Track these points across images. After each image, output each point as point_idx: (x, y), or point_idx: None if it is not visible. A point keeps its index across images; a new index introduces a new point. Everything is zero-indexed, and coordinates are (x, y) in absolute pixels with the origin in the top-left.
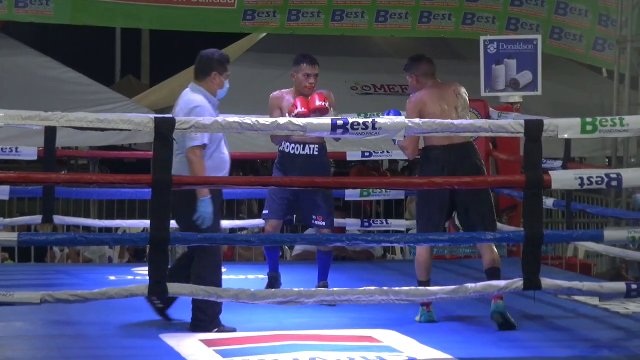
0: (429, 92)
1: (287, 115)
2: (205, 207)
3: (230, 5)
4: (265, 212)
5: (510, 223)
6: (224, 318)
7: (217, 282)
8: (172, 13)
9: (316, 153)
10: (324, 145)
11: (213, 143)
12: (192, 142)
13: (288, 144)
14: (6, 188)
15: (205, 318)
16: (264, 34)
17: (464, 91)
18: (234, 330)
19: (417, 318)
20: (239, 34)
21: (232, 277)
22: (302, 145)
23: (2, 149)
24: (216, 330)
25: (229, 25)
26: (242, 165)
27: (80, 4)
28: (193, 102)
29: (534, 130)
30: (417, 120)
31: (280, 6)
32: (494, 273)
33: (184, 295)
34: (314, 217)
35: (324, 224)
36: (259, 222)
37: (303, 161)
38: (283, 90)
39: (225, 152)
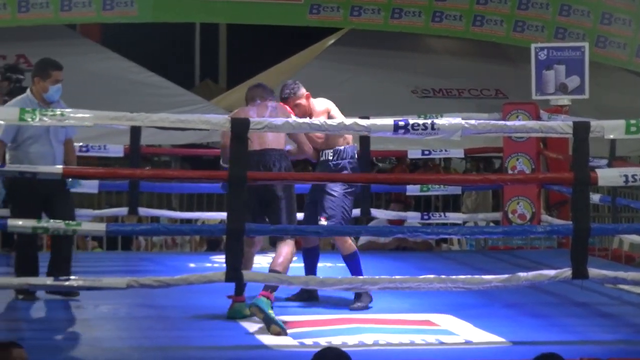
0: (252, 108)
1: None
2: None
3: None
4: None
5: (559, 217)
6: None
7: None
8: (243, 7)
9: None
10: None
11: (26, 139)
12: None
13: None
14: (95, 182)
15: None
16: (331, 42)
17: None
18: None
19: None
20: (308, 37)
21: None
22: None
23: (91, 146)
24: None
25: (296, 18)
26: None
27: (162, 2)
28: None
29: (581, 131)
30: (472, 122)
31: (343, 2)
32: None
33: (258, 281)
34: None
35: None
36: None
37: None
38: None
39: (45, 147)
